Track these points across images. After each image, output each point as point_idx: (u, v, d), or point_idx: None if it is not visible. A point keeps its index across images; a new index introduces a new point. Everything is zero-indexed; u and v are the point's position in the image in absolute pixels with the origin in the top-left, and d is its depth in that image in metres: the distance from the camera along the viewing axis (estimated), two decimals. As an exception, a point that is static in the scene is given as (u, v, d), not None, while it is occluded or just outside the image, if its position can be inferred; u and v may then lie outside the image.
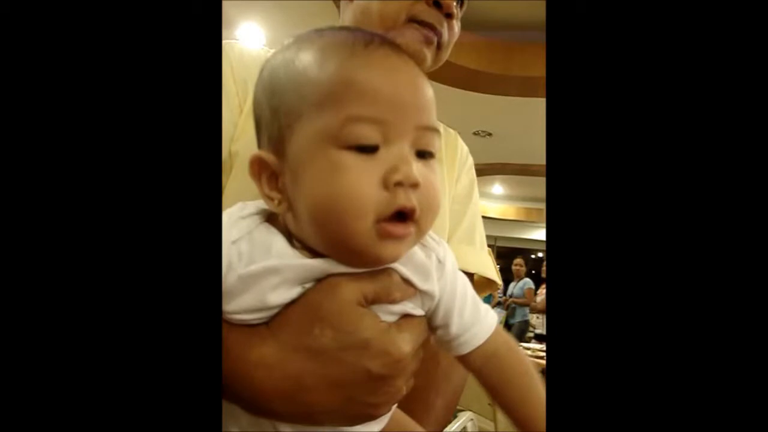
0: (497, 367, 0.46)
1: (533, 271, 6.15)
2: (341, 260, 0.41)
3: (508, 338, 0.48)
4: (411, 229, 0.39)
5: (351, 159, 0.38)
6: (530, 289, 5.87)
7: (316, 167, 0.39)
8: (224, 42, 0.66)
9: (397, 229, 0.38)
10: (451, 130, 0.80)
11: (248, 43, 0.69)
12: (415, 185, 0.38)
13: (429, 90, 0.42)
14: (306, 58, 0.41)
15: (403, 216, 0.39)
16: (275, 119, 0.41)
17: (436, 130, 0.41)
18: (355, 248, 0.39)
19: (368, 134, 0.38)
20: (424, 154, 0.41)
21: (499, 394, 0.47)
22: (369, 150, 0.38)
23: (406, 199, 0.38)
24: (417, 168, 0.39)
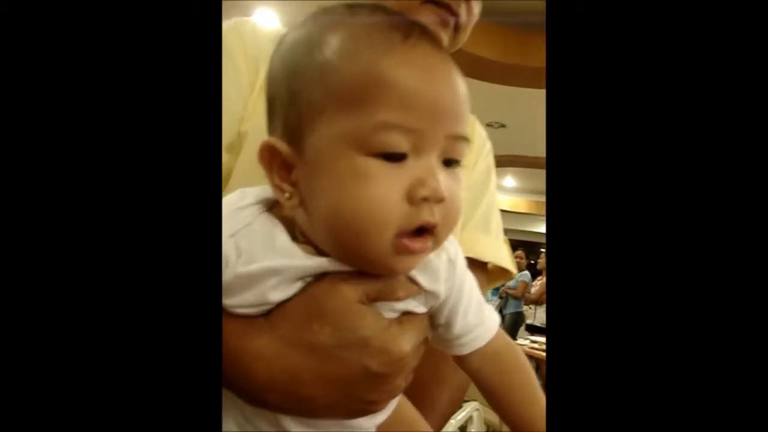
0: (498, 369, 0.46)
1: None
2: (351, 265, 0.40)
3: (509, 339, 0.48)
4: (429, 243, 0.38)
5: (376, 167, 0.36)
6: (524, 281, 5.92)
7: (337, 172, 0.36)
8: (237, 18, 0.64)
9: (416, 244, 0.37)
10: (469, 115, 0.78)
11: (262, 19, 0.67)
12: (440, 200, 0.37)
13: (465, 93, 0.39)
14: (335, 42, 0.37)
15: (423, 230, 0.37)
16: (294, 106, 0.38)
17: (466, 139, 0.39)
18: (370, 260, 0.38)
19: (399, 143, 0.36)
20: (450, 163, 0.38)
21: (498, 395, 0.46)
22: (396, 158, 0.36)
23: (429, 214, 0.36)
24: (443, 180, 0.37)
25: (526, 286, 5.92)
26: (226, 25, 0.63)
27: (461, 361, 0.47)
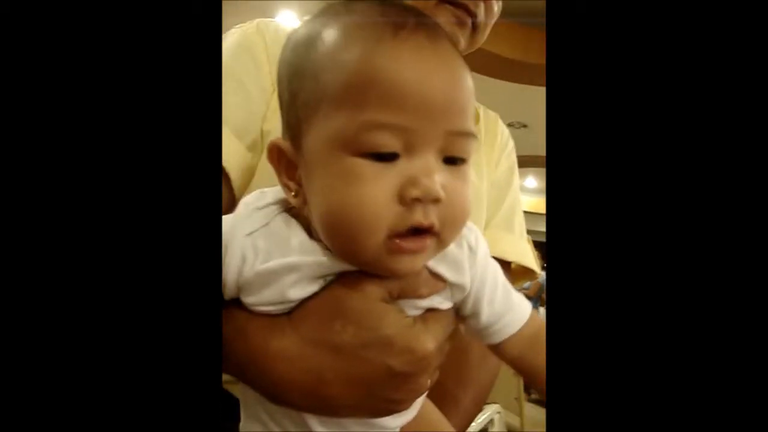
0: (538, 352, 0.43)
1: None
2: (352, 265, 0.39)
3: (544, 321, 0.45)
4: (427, 242, 0.37)
5: (366, 168, 0.35)
6: (538, 282, 5.87)
7: (328, 173, 0.36)
8: (260, 19, 0.65)
9: (410, 244, 0.36)
10: (491, 113, 0.77)
11: (285, 21, 0.68)
12: (435, 201, 0.35)
13: (466, 86, 0.37)
14: (328, 41, 0.37)
15: (420, 230, 0.36)
16: (293, 106, 0.39)
17: (470, 135, 0.37)
18: (365, 261, 0.37)
19: (388, 142, 0.34)
20: (454, 160, 0.37)
21: (543, 378, 0.43)
22: (387, 158, 0.35)
23: (423, 216, 0.35)
24: (442, 178, 0.35)
25: (540, 287, 5.88)
26: (249, 26, 0.64)
27: (499, 351, 0.45)
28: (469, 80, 0.38)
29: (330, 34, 0.37)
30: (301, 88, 0.38)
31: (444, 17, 0.57)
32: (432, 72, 0.35)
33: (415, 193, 0.34)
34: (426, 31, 0.37)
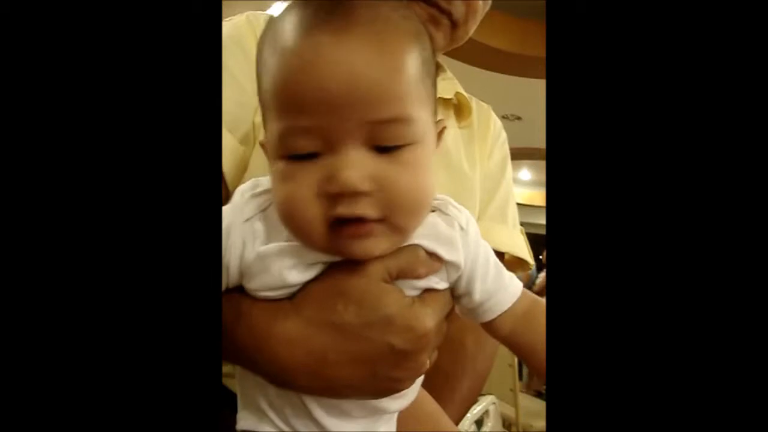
0: (531, 327, 0.45)
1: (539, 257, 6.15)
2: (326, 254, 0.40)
3: (536, 297, 0.46)
4: (370, 228, 0.37)
5: (290, 169, 0.37)
6: (527, 273, 5.88)
7: (270, 174, 0.40)
8: (251, 12, 0.65)
9: (352, 229, 0.36)
10: (484, 104, 0.78)
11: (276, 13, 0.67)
12: (356, 194, 0.35)
13: (391, 72, 0.35)
14: (266, 45, 0.38)
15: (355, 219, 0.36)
16: (260, 107, 0.41)
17: (398, 120, 0.36)
18: (321, 248, 0.39)
19: (303, 145, 0.36)
20: (388, 149, 0.36)
21: (537, 353, 0.44)
22: (308, 157, 0.36)
23: (346, 208, 0.35)
24: (372, 168, 0.35)
25: (530, 278, 5.90)
26: (240, 18, 0.63)
27: (492, 329, 0.46)
28: (402, 63, 0.36)
29: (268, 39, 0.39)
30: (259, 90, 0.40)
31: (417, 15, 0.57)
32: (337, 67, 0.34)
33: (331, 188, 0.35)
34: (345, 23, 0.35)
